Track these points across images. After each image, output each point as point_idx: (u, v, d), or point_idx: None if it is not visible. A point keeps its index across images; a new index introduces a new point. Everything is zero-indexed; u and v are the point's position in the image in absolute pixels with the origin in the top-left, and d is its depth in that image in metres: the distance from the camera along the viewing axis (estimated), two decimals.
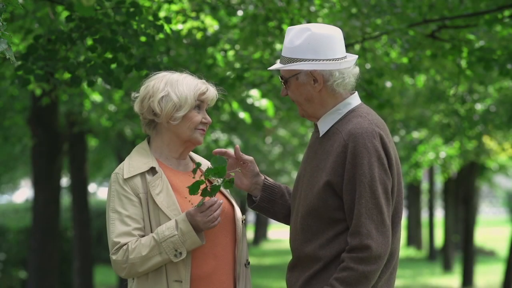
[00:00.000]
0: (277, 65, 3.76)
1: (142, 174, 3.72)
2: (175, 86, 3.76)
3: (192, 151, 3.95)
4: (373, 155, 3.61)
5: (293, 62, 3.70)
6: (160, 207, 3.67)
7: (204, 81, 3.85)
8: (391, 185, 3.65)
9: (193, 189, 3.58)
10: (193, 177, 3.64)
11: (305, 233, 3.72)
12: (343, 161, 3.63)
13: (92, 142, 17.86)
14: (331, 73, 3.70)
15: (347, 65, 3.72)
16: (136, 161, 3.76)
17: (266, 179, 3.95)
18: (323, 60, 3.68)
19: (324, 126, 3.77)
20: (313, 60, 3.68)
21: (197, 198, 3.70)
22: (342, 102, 3.75)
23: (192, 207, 3.67)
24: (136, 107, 3.81)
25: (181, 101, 3.74)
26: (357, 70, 3.78)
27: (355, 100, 3.78)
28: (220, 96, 3.94)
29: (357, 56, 3.81)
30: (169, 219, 3.66)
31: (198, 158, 3.97)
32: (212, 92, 3.82)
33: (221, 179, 3.64)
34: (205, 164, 3.94)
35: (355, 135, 3.63)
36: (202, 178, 3.62)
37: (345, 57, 3.74)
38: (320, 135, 3.78)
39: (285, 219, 3.99)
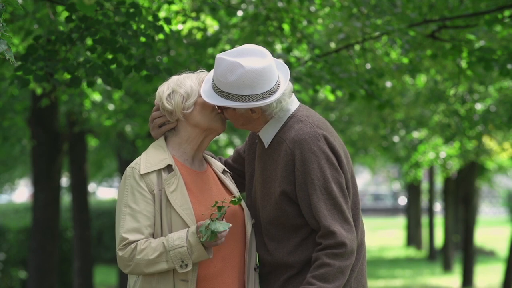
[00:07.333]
0: (214, 99, 3.69)
1: (158, 171, 3.72)
2: (177, 82, 3.81)
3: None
4: (321, 157, 3.63)
5: (229, 97, 3.65)
6: (173, 205, 3.67)
7: (203, 70, 3.90)
8: (345, 181, 3.68)
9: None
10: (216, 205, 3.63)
11: (271, 242, 3.75)
12: (292, 169, 3.65)
13: (92, 142, 17.85)
14: (269, 105, 3.68)
15: (283, 91, 3.68)
16: (153, 157, 3.76)
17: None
18: (260, 94, 3.63)
19: (267, 136, 3.76)
20: (250, 96, 3.63)
21: (209, 199, 3.73)
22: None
23: (204, 207, 3.69)
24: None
25: (187, 91, 3.78)
26: (291, 86, 3.75)
27: (293, 104, 3.76)
28: None
29: (288, 72, 3.73)
30: (180, 217, 3.66)
31: (211, 159, 3.96)
32: None
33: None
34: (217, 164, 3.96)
35: (299, 141, 3.65)
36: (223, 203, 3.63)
37: (278, 79, 3.67)
38: (266, 146, 3.77)
39: None
